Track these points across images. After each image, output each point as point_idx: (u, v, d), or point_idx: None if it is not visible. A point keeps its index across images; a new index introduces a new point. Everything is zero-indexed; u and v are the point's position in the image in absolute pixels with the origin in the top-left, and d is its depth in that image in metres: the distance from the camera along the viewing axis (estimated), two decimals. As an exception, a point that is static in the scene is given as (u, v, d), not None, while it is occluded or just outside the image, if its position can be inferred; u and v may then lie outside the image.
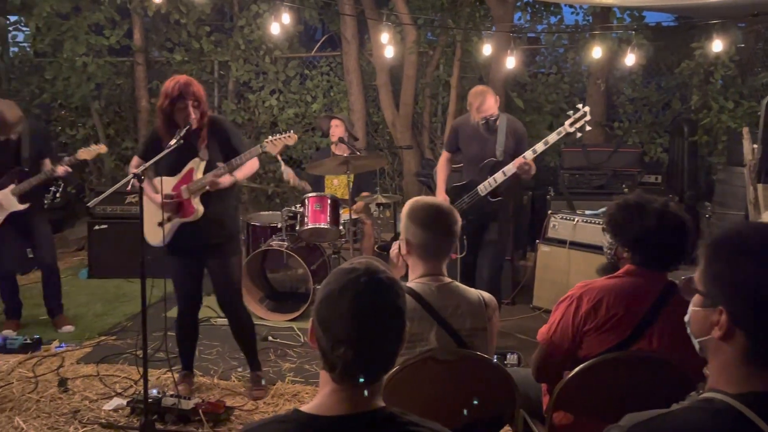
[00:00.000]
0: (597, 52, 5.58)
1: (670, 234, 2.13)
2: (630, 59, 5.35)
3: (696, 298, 1.24)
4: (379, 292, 1.24)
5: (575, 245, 4.90)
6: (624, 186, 5.87)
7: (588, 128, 3.99)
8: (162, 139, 3.34)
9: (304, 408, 1.24)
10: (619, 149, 6.22)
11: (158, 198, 3.33)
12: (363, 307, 1.21)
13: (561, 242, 4.98)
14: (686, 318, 1.28)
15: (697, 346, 1.26)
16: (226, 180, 3.37)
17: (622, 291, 2.13)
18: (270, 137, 3.44)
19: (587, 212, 5.06)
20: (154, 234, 3.40)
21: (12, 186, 4.39)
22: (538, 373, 2.31)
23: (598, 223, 4.81)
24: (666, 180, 6.45)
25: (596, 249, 4.73)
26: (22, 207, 4.41)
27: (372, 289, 1.23)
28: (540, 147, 3.99)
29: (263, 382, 3.70)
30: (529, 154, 3.97)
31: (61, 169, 4.42)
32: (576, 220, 4.96)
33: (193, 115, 3.27)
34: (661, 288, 2.14)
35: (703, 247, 1.21)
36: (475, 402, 1.97)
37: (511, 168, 4.03)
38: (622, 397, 2.05)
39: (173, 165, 3.39)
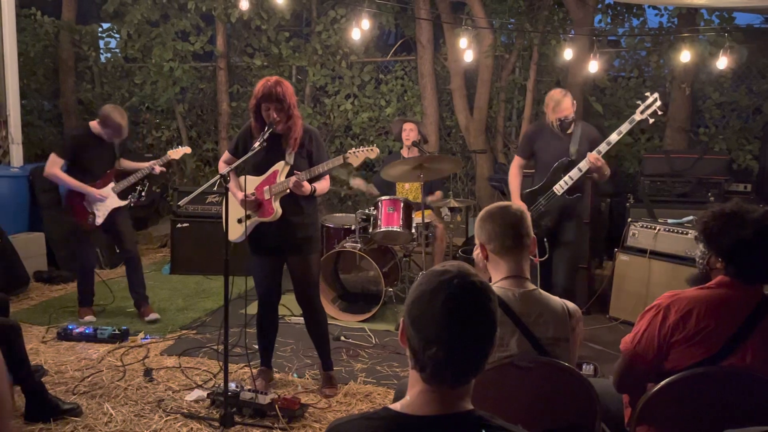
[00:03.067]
0: (685, 55, 5.36)
1: None
2: (722, 62, 5.09)
3: None
4: (471, 294, 1.24)
5: (656, 255, 4.73)
6: (710, 194, 5.62)
7: (659, 113, 4.04)
8: (254, 137, 3.45)
9: (393, 406, 1.26)
10: (704, 156, 5.95)
11: (240, 195, 3.46)
12: (455, 308, 1.22)
13: (641, 251, 4.81)
14: None
15: None
16: (307, 187, 3.44)
17: (714, 303, 2.05)
18: (353, 149, 3.54)
19: (669, 221, 4.87)
20: (233, 230, 3.54)
21: (112, 184, 4.69)
22: (620, 383, 2.24)
23: (682, 232, 4.63)
24: (756, 189, 6.12)
25: (679, 259, 4.56)
26: (123, 203, 4.76)
27: (464, 291, 1.24)
28: (614, 138, 4.04)
29: (335, 382, 3.75)
30: (603, 147, 4.04)
31: (157, 169, 4.72)
32: (657, 228, 4.78)
33: (276, 117, 3.35)
34: (758, 301, 2.04)
35: None
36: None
37: (585, 164, 4.06)
38: (712, 414, 1.97)
39: (260, 165, 3.51)
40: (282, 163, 3.47)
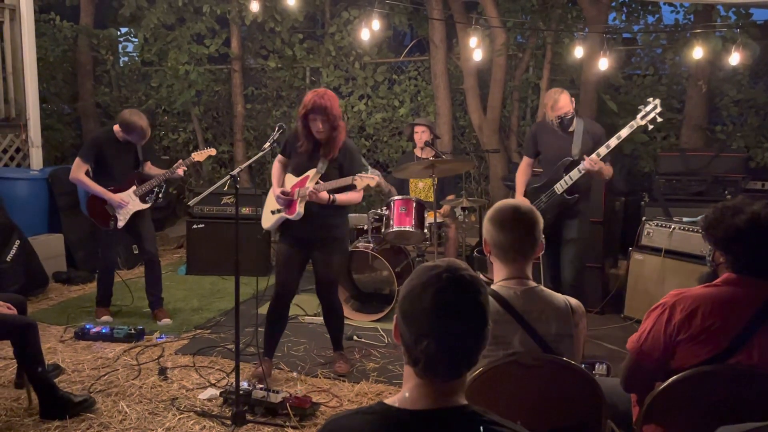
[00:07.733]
0: (698, 52, 5.31)
1: (765, 237, 2.01)
2: (735, 59, 5.04)
3: None
4: (460, 287, 1.26)
5: (671, 254, 4.69)
6: (726, 192, 5.55)
7: (659, 120, 4.02)
8: (299, 140, 3.71)
9: (388, 401, 1.28)
10: (721, 154, 5.88)
11: (277, 191, 3.79)
12: (445, 301, 1.24)
13: (655, 250, 4.77)
14: None
15: None
16: (323, 196, 3.64)
17: (720, 300, 2.03)
18: (362, 173, 3.76)
19: (685, 219, 4.82)
20: (267, 219, 3.91)
21: (134, 187, 4.74)
22: (627, 382, 2.23)
23: (697, 231, 4.58)
24: (774, 187, 6.03)
25: (693, 258, 4.52)
26: (144, 206, 4.80)
27: (454, 284, 1.26)
28: (613, 142, 4.08)
29: (347, 359, 4.02)
30: (602, 150, 4.06)
31: (180, 170, 4.76)
32: (672, 227, 4.74)
33: (321, 128, 3.58)
34: (764, 299, 2.02)
35: None
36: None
37: (583, 166, 4.09)
38: (719, 412, 1.95)
39: (299, 167, 3.79)
40: (314, 170, 3.70)
